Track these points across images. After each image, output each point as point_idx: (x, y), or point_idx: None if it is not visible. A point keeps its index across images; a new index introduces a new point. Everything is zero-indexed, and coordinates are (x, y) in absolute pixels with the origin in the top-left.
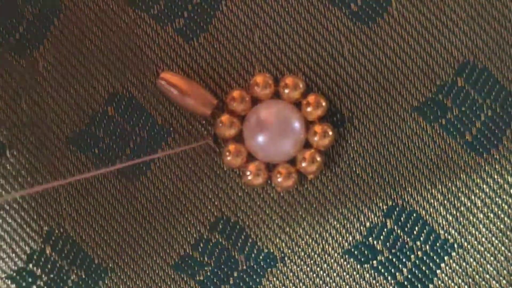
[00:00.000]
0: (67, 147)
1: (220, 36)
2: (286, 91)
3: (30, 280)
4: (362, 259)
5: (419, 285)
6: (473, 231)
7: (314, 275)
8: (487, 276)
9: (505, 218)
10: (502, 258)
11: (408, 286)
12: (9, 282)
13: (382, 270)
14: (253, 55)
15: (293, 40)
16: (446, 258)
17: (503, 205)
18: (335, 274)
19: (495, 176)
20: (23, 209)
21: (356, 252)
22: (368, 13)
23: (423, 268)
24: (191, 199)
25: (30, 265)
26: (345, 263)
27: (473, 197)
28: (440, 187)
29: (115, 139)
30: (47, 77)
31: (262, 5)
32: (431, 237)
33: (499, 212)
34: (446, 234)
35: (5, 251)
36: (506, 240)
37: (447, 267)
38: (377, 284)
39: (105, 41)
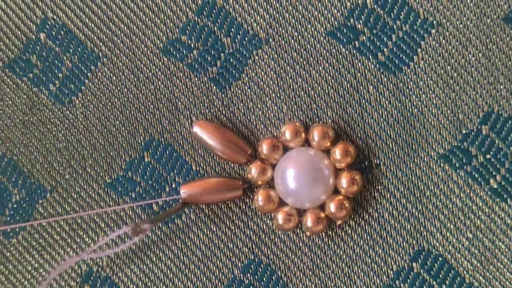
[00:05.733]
0: (105, 192)
1: (252, 84)
2: (316, 139)
3: None
4: None
5: None
6: (497, 275)
7: None
8: None
9: None
10: None
11: None
12: None
13: None
14: (284, 103)
15: (322, 88)
16: None
17: None
18: None
19: None
20: None
21: None
22: (395, 63)
23: None
24: (225, 242)
25: None
26: None
27: (497, 242)
28: (465, 232)
29: (152, 184)
30: (86, 124)
31: (292, 55)
32: (456, 281)
33: None
34: (471, 278)
35: None
36: None
37: None
38: None
39: (142, 89)
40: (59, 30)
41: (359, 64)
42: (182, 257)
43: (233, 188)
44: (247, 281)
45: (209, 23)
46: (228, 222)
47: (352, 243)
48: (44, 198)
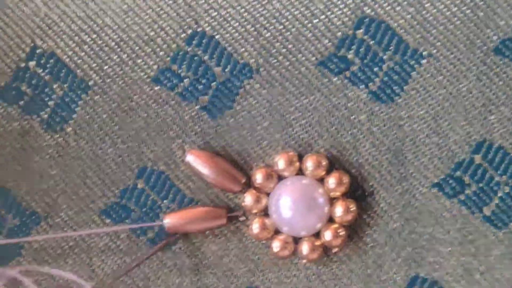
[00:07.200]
0: (100, 218)
1: (244, 113)
2: (310, 168)
3: None
4: None
5: None
6: None
7: None
8: None
9: None
10: None
11: None
12: None
13: None
14: (277, 132)
15: (314, 118)
16: None
17: None
18: None
19: None
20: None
21: None
22: (386, 93)
23: None
24: (224, 269)
25: None
26: None
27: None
28: (461, 260)
29: (146, 211)
30: (78, 152)
31: (283, 84)
32: None
33: None
34: None
35: None
36: None
37: None
38: None
39: (133, 117)
40: (48, 58)
41: (351, 93)
42: None
43: (216, 217)
44: None
45: (199, 52)
46: (225, 249)
47: (347, 271)
48: (38, 225)
